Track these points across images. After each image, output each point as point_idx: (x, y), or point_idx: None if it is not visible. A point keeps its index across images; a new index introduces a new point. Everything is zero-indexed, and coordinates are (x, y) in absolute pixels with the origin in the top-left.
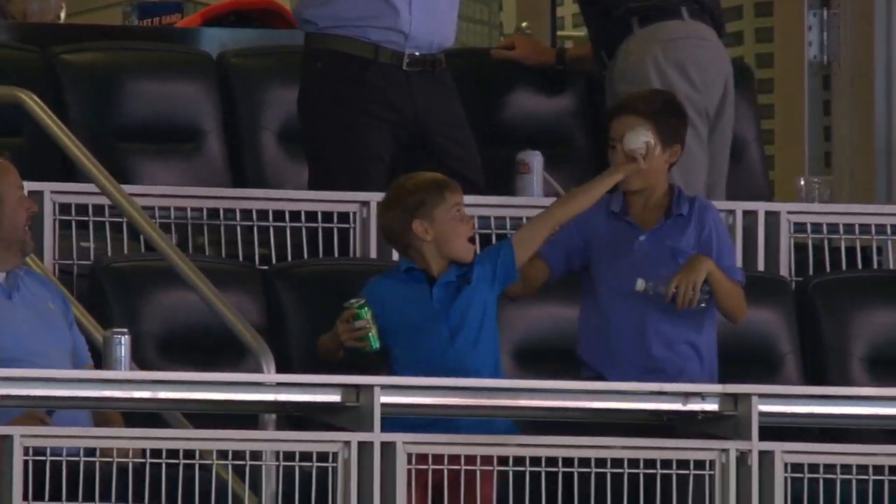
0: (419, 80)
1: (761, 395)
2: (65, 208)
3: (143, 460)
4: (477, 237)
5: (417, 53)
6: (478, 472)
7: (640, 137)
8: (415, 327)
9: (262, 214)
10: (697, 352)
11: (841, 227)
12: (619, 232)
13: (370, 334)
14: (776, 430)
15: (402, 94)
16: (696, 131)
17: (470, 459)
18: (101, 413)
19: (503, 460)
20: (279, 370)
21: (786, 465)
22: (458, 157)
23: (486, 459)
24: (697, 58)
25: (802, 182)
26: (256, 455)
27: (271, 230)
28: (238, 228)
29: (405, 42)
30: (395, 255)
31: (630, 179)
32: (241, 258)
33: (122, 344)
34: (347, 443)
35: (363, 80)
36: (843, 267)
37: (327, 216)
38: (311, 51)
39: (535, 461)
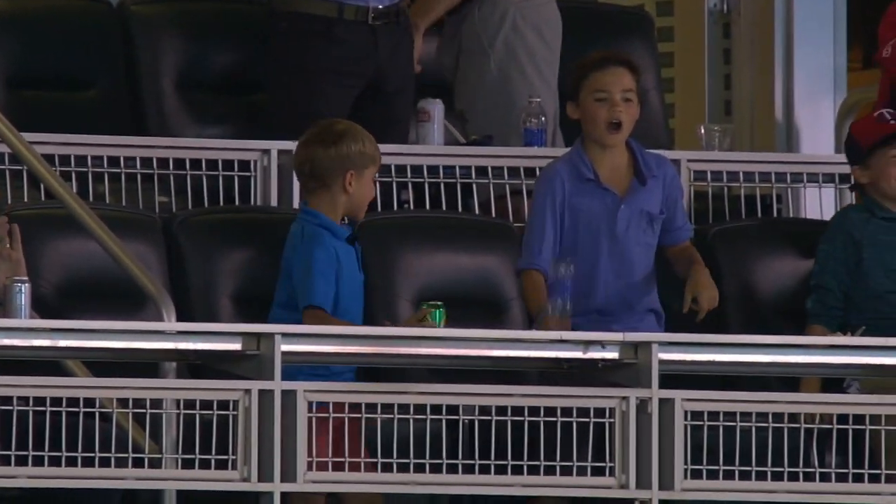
0: (384, 32)
1: (661, 343)
2: None
3: (42, 409)
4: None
5: (381, 7)
6: (378, 420)
7: None
8: (353, 296)
9: (163, 163)
10: (658, 314)
11: (741, 175)
12: (600, 202)
13: None
14: (676, 377)
15: (367, 48)
16: (550, 86)
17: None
18: None
19: (404, 409)
20: (180, 319)
21: (686, 412)
22: (393, 116)
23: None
24: (548, 18)
25: (703, 130)
26: (157, 403)
27: (171, 178)
28: (138, 177)
29: None
30: (296, 203)
31: (618, 134)
32: (141, 206)
33: (23, 292)
34: (248, 391)
35: (328, 39)
36: (743, 215)
37: (228, 164)
38: (275, 12)
39: (436, 409)
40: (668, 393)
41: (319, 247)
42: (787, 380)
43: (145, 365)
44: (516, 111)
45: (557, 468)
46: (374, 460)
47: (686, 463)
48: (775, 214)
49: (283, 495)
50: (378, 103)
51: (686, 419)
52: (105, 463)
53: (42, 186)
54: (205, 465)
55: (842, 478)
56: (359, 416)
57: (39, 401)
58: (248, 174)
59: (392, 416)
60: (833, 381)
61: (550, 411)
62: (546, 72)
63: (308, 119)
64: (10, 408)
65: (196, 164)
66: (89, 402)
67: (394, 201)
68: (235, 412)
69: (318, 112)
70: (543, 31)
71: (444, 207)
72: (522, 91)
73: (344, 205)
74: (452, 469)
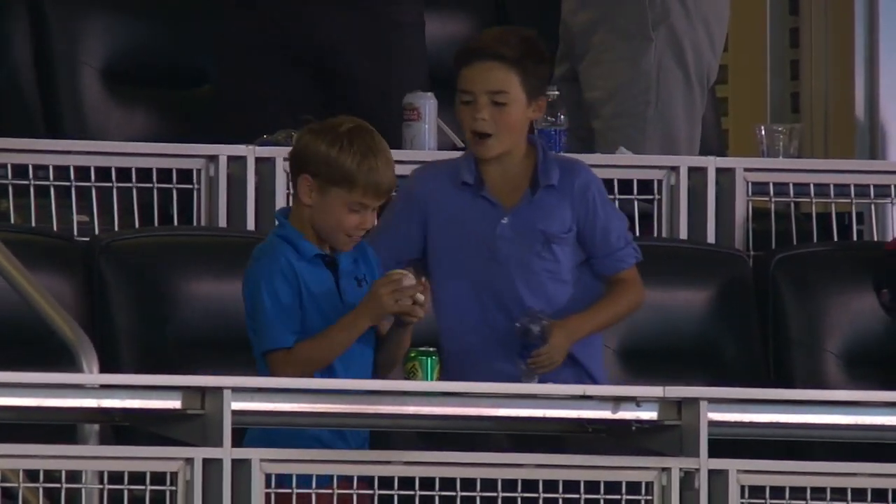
0: None
1: (711, 401)
2: None
3: None
4: None
5: None
6: (354, 498)
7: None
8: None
9: (83, 173)
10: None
11: (812, 188)
12: (476, 213)
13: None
14: (730, 444)
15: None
16: (703, 89)
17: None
18: None
19: (386, 482)
20: (103, 369)
21: (742, 487)
22: (356, 107)
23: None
24: (720, 14)
25: (763, 131)
26: (75, 476)
27: (93, 192)
28: (51, 190)
29: None
30: (251, 224)
31: (485, 145)
32: (55, 228)
33: None
34: (190, 460)
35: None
36: (815, 238)
37: (165, 175)
38: None
39: (428, 483)
40: (720, 463)
41: (262, 260)
42: (869, 446)
43: (60, 428)
44: (672, 109)
45: None
46: None
47: None
48: (855, 238)
49: None
50: (331, 88)
51: (743, 496)
52: None
53: None
54: None
55: None
56: (329, 492)
57: None
58: (189, 186)
59: (372, 491)
60: None
61: (571, 486)
62: (705, 72)
63: (257, 113)
64: None
65: (124, 174)
66: None
67: None
68: (174, 487)
69: (270, 104)
70: (711, 24)
71: None
72: (678, 87)
73: (308, 220)
74: None
